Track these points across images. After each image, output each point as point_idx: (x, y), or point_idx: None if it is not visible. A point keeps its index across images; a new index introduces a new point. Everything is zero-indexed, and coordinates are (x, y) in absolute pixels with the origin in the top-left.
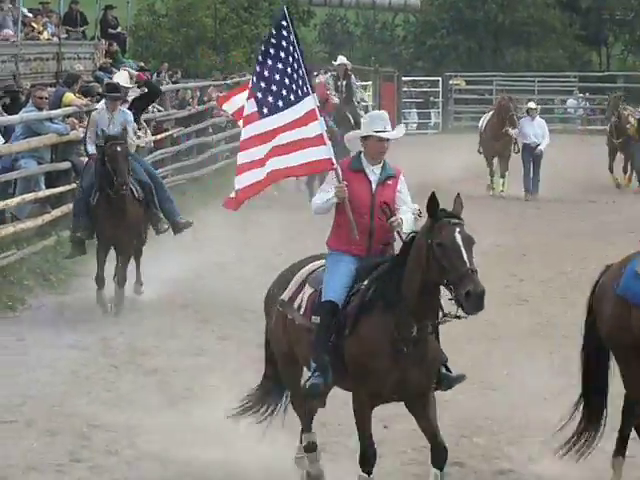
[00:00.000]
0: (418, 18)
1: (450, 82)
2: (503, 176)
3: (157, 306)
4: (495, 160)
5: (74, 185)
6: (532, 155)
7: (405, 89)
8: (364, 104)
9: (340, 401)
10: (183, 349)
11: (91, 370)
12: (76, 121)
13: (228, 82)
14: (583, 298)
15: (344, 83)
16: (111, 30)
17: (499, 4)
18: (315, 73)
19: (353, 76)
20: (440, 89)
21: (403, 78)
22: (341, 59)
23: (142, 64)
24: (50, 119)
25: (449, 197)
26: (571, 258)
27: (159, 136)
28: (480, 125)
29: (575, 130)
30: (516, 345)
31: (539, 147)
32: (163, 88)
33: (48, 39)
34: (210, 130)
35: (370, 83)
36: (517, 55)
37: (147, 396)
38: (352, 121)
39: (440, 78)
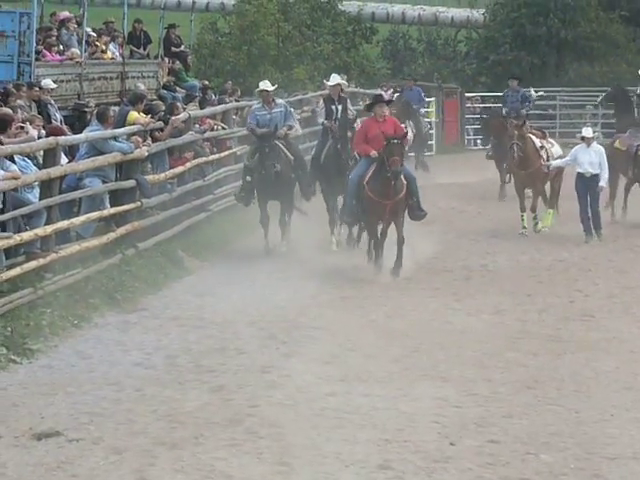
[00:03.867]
0: (480, 34)
1: None
2: (548, 212)
3: (223, 323)
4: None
5: (139, 203)
6: (588, 187)
7: (468, 105)
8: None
9: (405, 419)
10: (249, 366)
11: (157, 388)
12: (140, 139)
13: (291, 100)
14: None
15: (339, 108)
16: (174, 49)
17: (561, 19)
18: (379, 91)
19: (349, 100)
20: (535, 95)
21: (466, 94)
22: (335, 78)
23: (206, 82)
24: (115, 138)
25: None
26: (636, 273)
27: (222, 154)
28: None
29: None
30: (582, 361)
31: (600, 184)
32: (227, 106)
33: (112, 58)
34: None
35: (433, 99)
36: (580, 70)
37: (212, 413)
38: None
39: (503, 94)
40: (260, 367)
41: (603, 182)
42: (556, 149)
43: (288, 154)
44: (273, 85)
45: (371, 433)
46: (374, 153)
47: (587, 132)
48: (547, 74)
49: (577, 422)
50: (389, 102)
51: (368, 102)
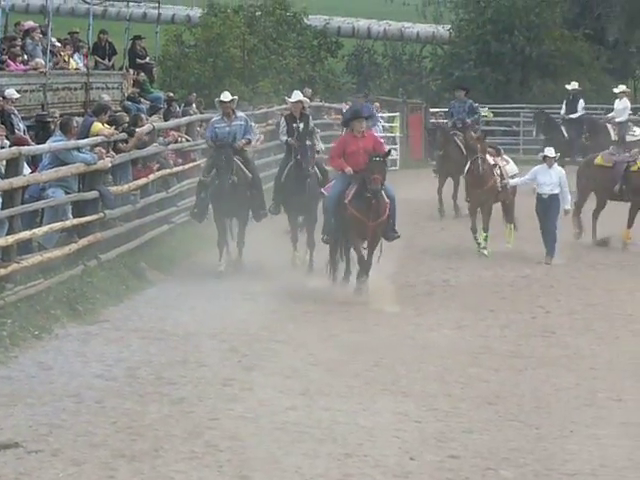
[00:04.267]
0: (445, 50)
1: None
2: (509, 228)
3: (184, 335)
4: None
5: (101, 214)
6: (547, 208)
7: (432, 120)
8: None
9: (365, 433)
10: (210, 379)
11: (117, 400)
12: (104, 151)
13: (255, 112)
14: (611, 330)
15: (301, 126)
16: (139, 60)
17: (526, 37)
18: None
19: (311, 117)
20: (485, 113)
21: (431, 109)
22: (297, 95)
23: (171, 94)
24: (78, 148)
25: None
26: (598, 290)
27: (187, 166)
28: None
29: None
30: (543, 377)
31: (565, 207)
32: (192, 118)
33: (76, 69)
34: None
35: (398, 114)
36: (544, 87)
37: (172, 426)
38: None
39: (449, 105)
40: (221, 380)
41: (567, 205)
42: (511, 167)
43: (246, 171)
44: (233, 96)
45: (331, 447)
46: (349, 170)
47: (549, 152)
48: (511, 91)
49: (537, 438)
50: (368, 117)
51: (339, 117)
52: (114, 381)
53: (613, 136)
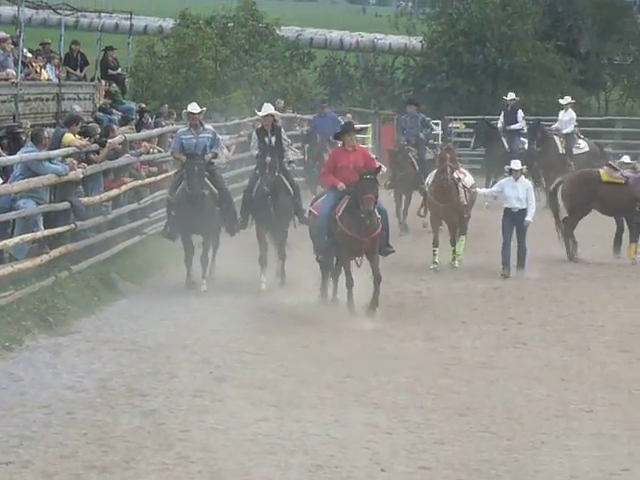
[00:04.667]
0: (418, 61)
1: (449, 125)
2: (461, 239)
3: (156, 347)
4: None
5: (73, 225)
6: (515, 223)
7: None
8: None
9: (336, 445)
10: (181, 390)
11: (88, 411)
12: (75, 162)
13: (228, 124)
14: (582, 341)
15: (273, 139)
16: (111, 71)
17: (498, 48)
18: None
19: (283, 129)
20: (439, 132)
21: None
22: (267, 108)
23: (143, 105)
24: (49, 159)
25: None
26: (570, 301)
27: (159, 177)
28: (426, 182)
29: None
30: (514, 388)
31: (526, 218)
32: (164, 129)
33: (48, 80)
34: None
35: (370, 125)
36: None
37: (144, 437)
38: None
39: (439, 121)
40: (192, 391)
41: (530, 217)
42: (469, 178)
43: (213, 187)
44: (202, 108)
45: (302, 459)
46: (341, 185)
47: (516, 164)
48: (483, 102)
49: (508, 449)
50: (360, 130)
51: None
52: (85, 392)
53: (560, 149)
